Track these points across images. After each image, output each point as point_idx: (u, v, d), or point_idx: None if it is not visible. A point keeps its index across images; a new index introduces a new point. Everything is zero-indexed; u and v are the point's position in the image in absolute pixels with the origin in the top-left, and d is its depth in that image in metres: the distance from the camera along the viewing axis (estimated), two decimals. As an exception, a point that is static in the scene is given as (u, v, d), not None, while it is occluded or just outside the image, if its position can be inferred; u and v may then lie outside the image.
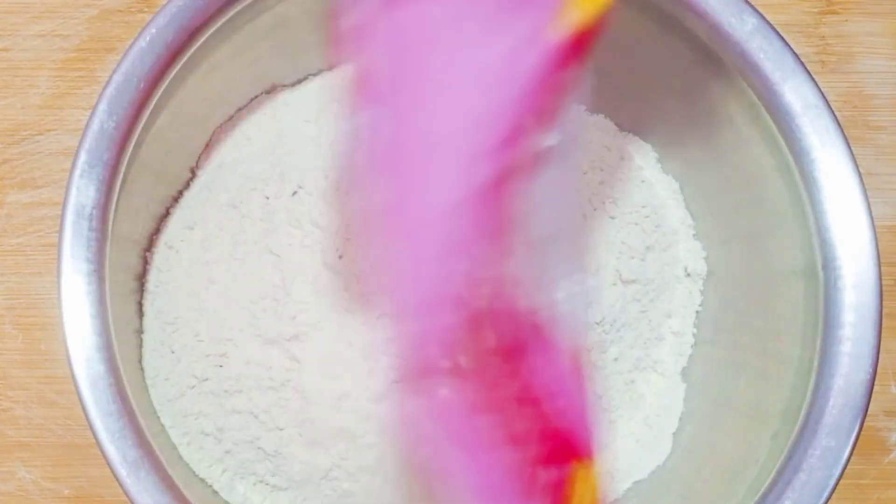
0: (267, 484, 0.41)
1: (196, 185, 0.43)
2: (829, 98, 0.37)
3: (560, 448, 0.27)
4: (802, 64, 0.38)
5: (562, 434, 0.27)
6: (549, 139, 0.29)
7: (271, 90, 0.45)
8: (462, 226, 0.25)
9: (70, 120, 0.46)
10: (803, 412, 0.36)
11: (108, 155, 0.36)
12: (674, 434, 0.44)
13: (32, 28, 0.47)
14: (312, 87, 0.44)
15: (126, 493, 0.35)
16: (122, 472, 0.34)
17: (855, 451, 0.36)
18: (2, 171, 0.46)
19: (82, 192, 0.36)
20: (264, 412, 0.39)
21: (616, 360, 0.42)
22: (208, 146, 0.44)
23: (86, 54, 0.47)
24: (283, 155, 0.42)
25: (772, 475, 0.36)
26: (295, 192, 0.40)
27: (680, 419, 0.44)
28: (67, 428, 0.45)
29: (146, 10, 0.47)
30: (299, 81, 0.45)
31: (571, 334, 0.28)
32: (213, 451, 0.41)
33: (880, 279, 0.36)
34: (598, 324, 0.41)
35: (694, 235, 0.45)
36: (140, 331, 0.42)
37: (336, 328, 0.39)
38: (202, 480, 0.41)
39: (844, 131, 0.37)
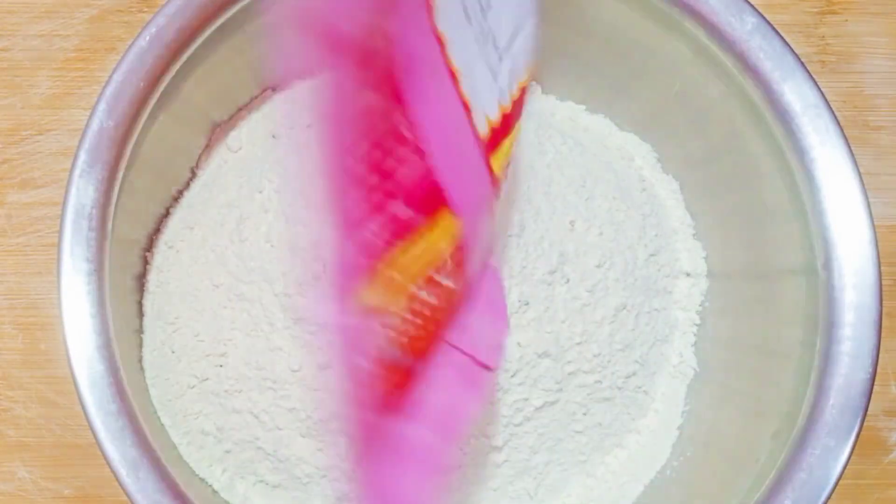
0: (267, 483, 0.41)
1: (196, 185, 0.43)
2: (829, 98, 0.37)
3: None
4: (802, 64, 0.38)
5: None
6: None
7: (271, 90, 0.45)
8: None
9: (70, 120, 0.46)
10: (803, 411, 0.36)
11: (108, 155, 0.36)
12: (674, 435, 0.44)
13: (32, 28, 0.47)
14: (312, 87, 0.44)
15: (126, 493, 0.35)
16: (122, 471, 0.34)
17: (855, 451, 0.36)
18: (2, 171, 0.46)
19: (82, 192, 0.36)
20: (264, 412, 0.39)
21: (616, 361, 0.42)
22: (208, 146, 0.44)
23: (86, 54, 0.47)
24: (282, 155, 0.42)
25: (772, 474, 0.36)
26: (294, 193, 0.40)
27: (681, 420, 0.44)
28: (67, 428, 0.45)
29: (146, 10, 0.47)
30: (299, 82, 0.45)
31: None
32: (213, 451, 0.41)
33: (880, 279, 0.36)
34: (597, 323, 0.41)
35: (694, 235, 0.45)
36: (140, 331, 0.42)
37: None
38: (202, 480, 0.41)
39: (844, 131, 0.37)
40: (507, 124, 0.32)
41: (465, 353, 0.30)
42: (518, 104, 0.33)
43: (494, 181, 0.31)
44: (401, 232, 0.27)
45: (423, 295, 0.28)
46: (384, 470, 0.28)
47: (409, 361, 0.28)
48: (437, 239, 0.28)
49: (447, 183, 0.27)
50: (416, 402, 0.29)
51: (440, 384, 0.29)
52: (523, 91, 0.33)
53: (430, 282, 0.28)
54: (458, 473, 0.40)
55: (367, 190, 0.25)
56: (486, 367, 0.30)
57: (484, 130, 0.30)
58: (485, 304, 0.31)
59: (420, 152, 0.27)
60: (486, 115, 0.30)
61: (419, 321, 0.28)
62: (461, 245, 0.29)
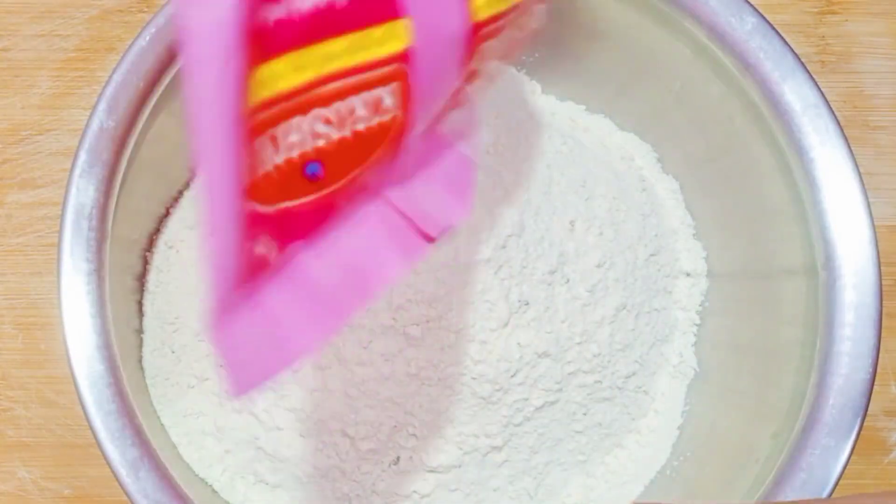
0: (267, 483, 0.41)
1: (196, 185, 0.43)
2: (829, 98, 0.37)
3: None
4: (802, 64, 0.38)
5: None
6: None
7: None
8: None
9: (70, 120, 0.46)
10: (803, 411, 0.36)
11: (108, 154, 0.36)
12: (674, 435, 0.44)
13: (32, 28, 0.47)
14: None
15: (126, 493, 0.35)
16: (122, 471, 0.34)
17: (855, 451, 0.36)
18: (2, 171, 0.46)
19: (82, 192, 0.36)
20: (264, 412, 0.39)
21: (616, 361, 0.42)
22: (209, 146, 0.44)
23: (86, 54, 0.47)
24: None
25: (772, 474, 0.36)
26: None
27: (681, 420, 0.44)
28: (67, 428, 0.45)
29: (146, 10, 0.47)
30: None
31: None
32: (213, 451, 0.41)
33: (880, 279, 0.36)
34: (597, 323, 0.41)
35: (694, 235, 0.45)
36: (140, 331, 0.42)
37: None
38: (202, 480, 0.41)
39: (844, 131, 0.37)
40: None
41: (402, 215, 0.28)
42: None
43: (471, 20, 0.27)
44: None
45: (353, 102, 0.25)
46: (270, 292, 0.25)
47: (322, 179, 0.25)
48: (376, 35, 0.24)
49: None
50: (327, 237, 0.27)
51: (363, 233, 0.27)
52: None
53: (357, 80, 0.25)
54: (457, 472, 0.40)
55: None
56: (426, 237, 0.28)
57: None
58: (444, 181, 0.29)
59: None
60: None
61: (337, 124, 0.25)
62: (408, 63, 0.25)
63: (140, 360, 0.41)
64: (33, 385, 0.45)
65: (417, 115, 0.26)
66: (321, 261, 0.26)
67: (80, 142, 0.36)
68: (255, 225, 0.24)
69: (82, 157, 0.36)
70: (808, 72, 0.38)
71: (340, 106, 0.24)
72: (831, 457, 0.36)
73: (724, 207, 0.43)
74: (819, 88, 0.37)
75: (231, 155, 0.22)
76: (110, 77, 0.36)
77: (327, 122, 0.24)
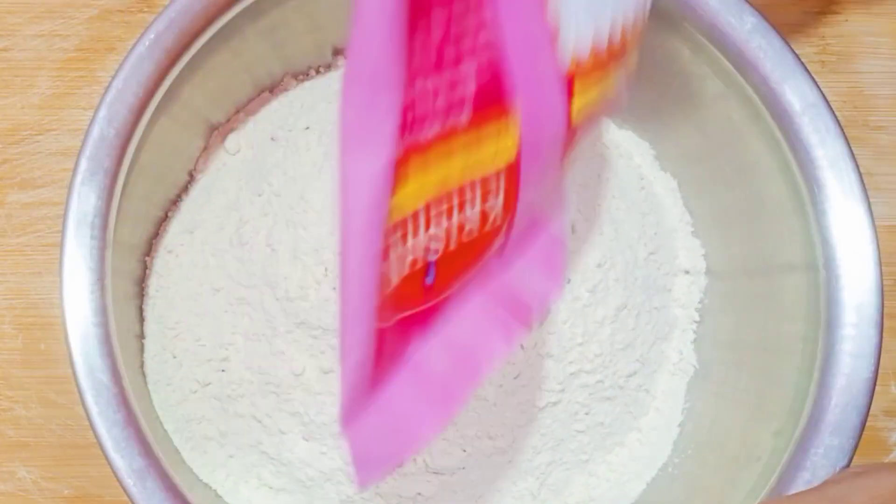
0: (270, 487, 0.41)
1: (195, 189, 0.43)
2: (829, 98, 0.37)
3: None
4: (802, 64, 0.38)
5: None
6: None
7: (269, 92, 0.44)
8: None
9: (70, 120, 0.46)
10: (806, 411, 0.36)
11: (109, 162, 0.36)
12: (675, 432, 0.44)
13: (32, 28, 0.47)
14: (310, 89, 0.44)
15: (132, 502, 0.34)
16: (129, 481, 0.34)
17: (855, 451, 0.36)
18: (2, 171, 0.46)
19: (84, 200, 0.35)
20: (266, 416, 0.39)
21: (617, 360, 0.42)
22: (206, 149, 0.43)
23: (86, 54, 0.47)
24: (281, 158, 0.42)
25: (775, 473, 0.36)
26: (294, 195, 0.40)
27: (682, 417, 0.44)
28: (67, 428, 0.45)
29: (146, 10, 0.47)
30: (297, 84, 0.45)
31: None
32: (216, 456, 0.41)
33: (881, 279, 0.36)
34: (598, 323, 0.41)
35: (692, 233, 0.45)
36: (141, 336, 0.41)
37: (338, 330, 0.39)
38: (206, 485, 0.41)
39: (844, 131, 0.37)
40: (599, 66, 0.29)
41: (502, 305, 0.30)
42: (617, 52, 0.30)
43: (569, 123, 0.29)
44: (453, 125, 0.25)
45: (465, 212, 0.26)
46: (393, 388, 0.27)
47: (432, 280, 0.27)
48: (488, 152, 0.26)
49: (516, 97, 0.26)
50: (436, 331, 0.28)
51: (470, 325, 0.29)
52: (626, 39, 0.30)
53: (470, 196, 0.26)
54: (461, 474, 0.40)
55: (433, 68, 0.24)
56: (523, 324, 0.30)
57: (566, 65, 0.28)
58: (538, 262, 0.30)
59: (492, 49, 0.25)
60: (575, 50, 0.28)
61: (451, 236, 0.26)
62: (513, 171, 0.27)
63: (141, 366, 0.41)
64: (33, 385, 0.45)
65: (520, 214, 0.28)
66: (435, 353, 0.28)
67: (81, 149, 0.36)
68: (380, 337, 0.27)
69: (83, 164, 0.36)
70: (808, 72, 0.38)
71: (452, 222, 0.26)
72: (835, 456, 0.36)
73: (722, 205, 0.43)
74: (819, 88, 0.37)
75: (372, 280, 0.24)
76: (110, 83, 0.36)
77: (440, 236, 0.26)
